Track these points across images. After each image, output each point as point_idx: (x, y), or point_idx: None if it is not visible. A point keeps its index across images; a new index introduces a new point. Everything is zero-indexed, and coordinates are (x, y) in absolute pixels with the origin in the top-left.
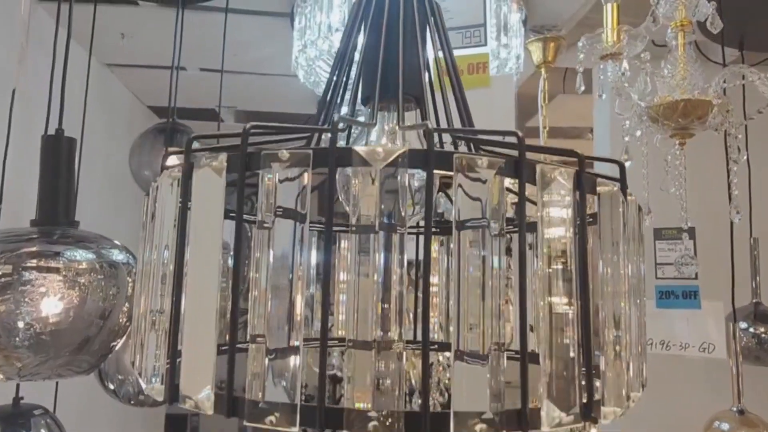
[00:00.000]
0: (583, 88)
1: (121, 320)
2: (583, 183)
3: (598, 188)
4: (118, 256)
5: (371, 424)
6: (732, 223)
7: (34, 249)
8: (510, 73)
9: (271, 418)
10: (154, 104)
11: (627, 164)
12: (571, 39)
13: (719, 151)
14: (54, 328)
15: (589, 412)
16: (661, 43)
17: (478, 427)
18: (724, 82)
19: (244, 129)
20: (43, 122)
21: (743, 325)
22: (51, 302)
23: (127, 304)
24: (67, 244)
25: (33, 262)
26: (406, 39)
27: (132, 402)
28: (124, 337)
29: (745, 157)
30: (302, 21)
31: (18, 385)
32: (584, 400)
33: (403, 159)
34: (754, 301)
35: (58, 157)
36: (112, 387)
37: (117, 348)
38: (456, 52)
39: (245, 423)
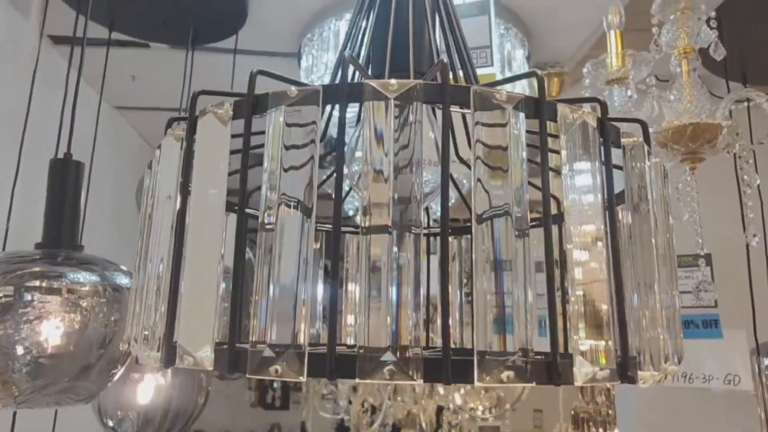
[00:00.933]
0: None
1: (121, 348)
2: (607, 129)
3: (622, 140)
4: (122, 280)
5: (387, 368)
6: (748, 249)
7: (37, 269)
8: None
9: (276, 367)
10: None
11: None
12: (574, 76)
13: (730, 175)
14: (53, 353)
15: (625, 371)
16: (664, 77)
17: (504, 374)
18: (733, 104)
19: (251, 73)
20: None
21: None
22: (51, 326)
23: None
24: (71, 265)
25: (35, 283)
26: (416, 15)
27: None
28: (124, 367)
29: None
30: (309, 60)
31: (14, 418)
32: (619, 360)
33: (417, 92)
34: None
35: (65, 180)
36: (111, 424)
37: (117, 377)
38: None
39: (247, 375)
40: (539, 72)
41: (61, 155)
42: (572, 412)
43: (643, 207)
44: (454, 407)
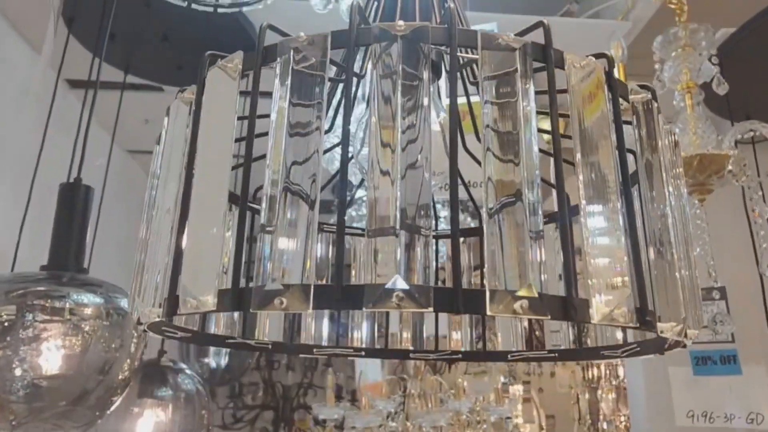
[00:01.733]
0: None
1: (120, 376)
2: (614, 81)
3: (631, 96)
4: (126, 304)
5: (396, 295)
6: (763, 283)
7: (40, 289)
8: None
9: (282, 299)
10: None
11: None
12: None
13: (740, 208)
14: (52, 376)
15: (644, 315)
16: (668, 118)
17: (518, 304)
18: (739, 135)
19: (260, 26)
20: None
21: None
22: (51, 348)
23: (128, 360)
24: (76, 286)
25: (38, 302)
26: None
27: None
28: (122, 396)
29: None
30: None
31: None
32: (637, 305)
33: (425, 32)
34: None
35: (74, 204)
36: None
37: (116, 407)
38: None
39: (252, 310)
40: (545, 21)
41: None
42: None
43: (654, 158)
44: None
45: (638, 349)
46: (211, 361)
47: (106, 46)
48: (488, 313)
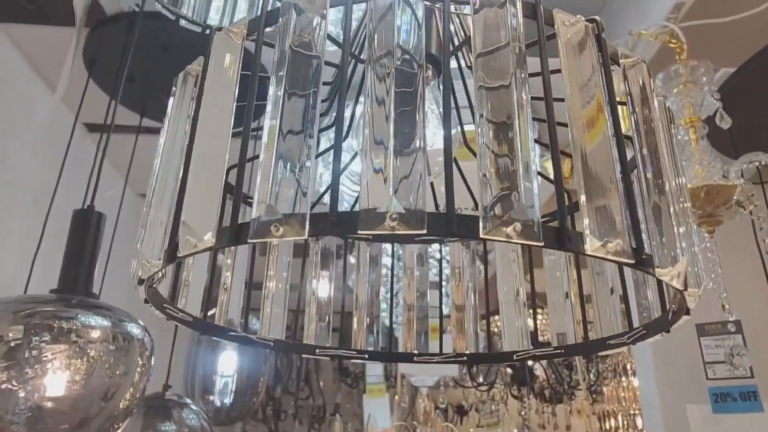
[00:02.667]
0: None
1: (122, 405)
2: (603, 40)
3: (621, 60)
4: (134, 330)
5: (390, 217)
6: None
7: (49, 309)
8: None
9: (278, 227)
10: None
11: None
12: None
13: (751, 240)
14: (55, 400)
15: (640, 252)
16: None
17: (510, 228)
18: (746, 166)
19: None
20: None
21: None
22: (56, 371)
23: (132, 389)
24: (84, 308)
25: (46, 323)
26: None
27: None
28: (124, 426)
29: None
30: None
31: None
32: (633, 244)
33: None
34: None
35: (86, 230)
36: None
37: None
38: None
39: (249, 240)
40: None
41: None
42: None
43: (645, 112)
44: None
45: (644, 332)
46: (216, 400)
47: (124, 89)
48: (481, 236)
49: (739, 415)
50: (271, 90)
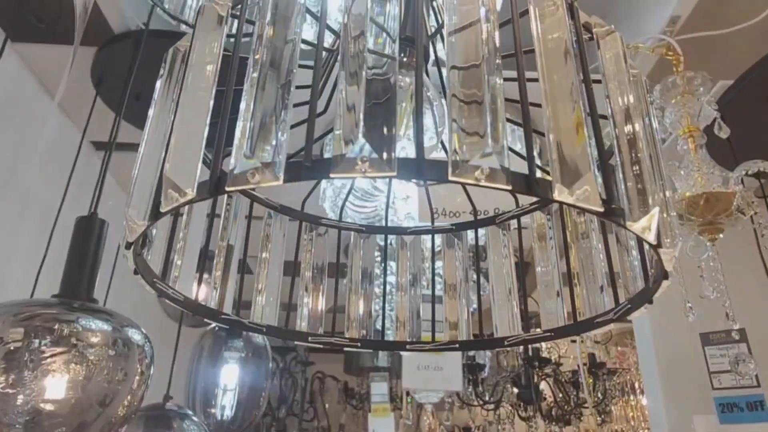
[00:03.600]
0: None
1: (120, 411)
2: (576, 9)
3: (594, 30)
4: (135, 336)
5: (360, 159)
6: None
7: (50, 312)
8: None
9: (255, 174)
10: None
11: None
12: None
13: (754, 247)
14: (53, 403)
15: (610, 202)
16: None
17: (479, 172)
18: (746, 173)
19: None
20: None
21: None
22: (56, 375)
23: (130, 396)
24: (85, 312)
25: (47, 325)
26: None
27: None
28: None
29: None
30: None
31: None
32: (603, 196)
33: None
34: None
35: (89, 237)
36: None
37: None
38: None
39: (227, 189)
40: None
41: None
42: None
43: (619, 77)
44: None
45: (629, 306)
46: (217, 412)
47: (131, 108)
48: (450, 178)
49: (747, 425)
50: (253, 48)
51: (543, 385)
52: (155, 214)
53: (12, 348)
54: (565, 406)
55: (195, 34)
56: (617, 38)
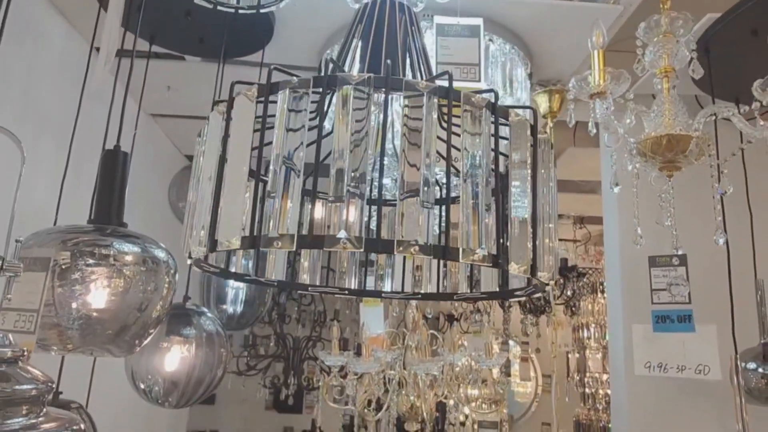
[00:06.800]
0: (594, 130)
1: (154, 314)
2: (497, 109)
3: (510, 118)
4: (160, 253)
5: (342, 241)
6: (729, 254)
7: (89, 238)
8: None
9: (278, 241)
10: (191, 153)
11: (616, 189)
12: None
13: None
14: (100, 310)
15: (498, 258)
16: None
17: (413, 248)
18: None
19: (269, 68)
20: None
21: (752, 365)
22: (99, 287)
23: (161, 302)
24: (118, 237)
25: (88, 249)
26: (390, 36)
27: (159, 402)
28: (155, 332)
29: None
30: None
31: (58, 382)
32: (494, 252)
33: (370, 80)
34: (762, 341)
35: (115, 167)
36: (142, 387)
37: (149, 340)
38: (455, 84)
39: (260, 248)
40: (450, 71)
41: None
42: (573, 419)
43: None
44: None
45: (533, 288)
46: (228, 308)
47: (135, 20)
48: (395, 253)
49: (675, 334)
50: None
51: None
52: (213, 249)
53: (63, 267)
54: (537, 302)
55: (230, 115)
56: (526, 124)
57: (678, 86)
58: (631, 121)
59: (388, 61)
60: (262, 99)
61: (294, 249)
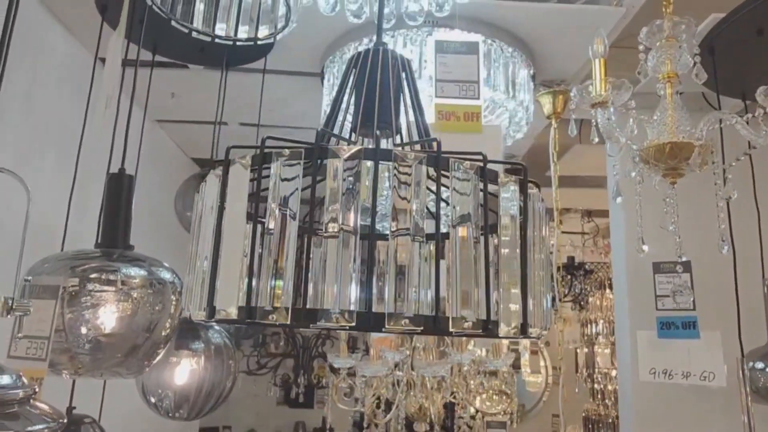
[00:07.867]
0: (596, 139)
1: (163, 333)
2: (486, 173)
3: (499, 179)
4: (165, 275)
5: (335, 317)
6: (735, 261)
7: (96, 265)
8: (497, 124)
9: (273, 315)
10: (196, 156)
11: (618, 200)
12: None
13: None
14: (109, 334)
15: (486, 326)
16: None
17: (403, 321)
18: (712, 126)
19: (262, 139)
20: (104, 168)
21: (760, 365)
22: (108, 312)
23: (169, 320)
24: (125, 262)
25: (96, 275)
26: (383, 86)
27: (170, 415)
28: (166, 348)
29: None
30: (331, 79)
31: (71, 396)
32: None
33: (360, 153)
34: None
35: (120, 191)
36: (153, 400)
37: (159, 358)
38: (454, 101)
39: (256, 321)
40: (438, 139)
41: (114, 168)
42: (583, 414)
43: (511, 223)
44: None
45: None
46: None
47: (137, 30)
48: (386, 328)
49: (679, 341)
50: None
51: None
52: (211, 316)
53: (72, 294)
54: None
55: (226, 185)
56: (515, 189)
57: (684, 83)
58: (633, 130)
59: (377, 132)
60: (256, 167)
61: (288, 323)
